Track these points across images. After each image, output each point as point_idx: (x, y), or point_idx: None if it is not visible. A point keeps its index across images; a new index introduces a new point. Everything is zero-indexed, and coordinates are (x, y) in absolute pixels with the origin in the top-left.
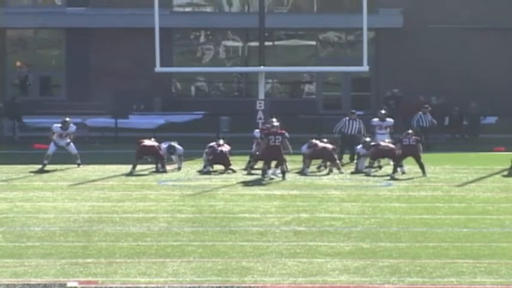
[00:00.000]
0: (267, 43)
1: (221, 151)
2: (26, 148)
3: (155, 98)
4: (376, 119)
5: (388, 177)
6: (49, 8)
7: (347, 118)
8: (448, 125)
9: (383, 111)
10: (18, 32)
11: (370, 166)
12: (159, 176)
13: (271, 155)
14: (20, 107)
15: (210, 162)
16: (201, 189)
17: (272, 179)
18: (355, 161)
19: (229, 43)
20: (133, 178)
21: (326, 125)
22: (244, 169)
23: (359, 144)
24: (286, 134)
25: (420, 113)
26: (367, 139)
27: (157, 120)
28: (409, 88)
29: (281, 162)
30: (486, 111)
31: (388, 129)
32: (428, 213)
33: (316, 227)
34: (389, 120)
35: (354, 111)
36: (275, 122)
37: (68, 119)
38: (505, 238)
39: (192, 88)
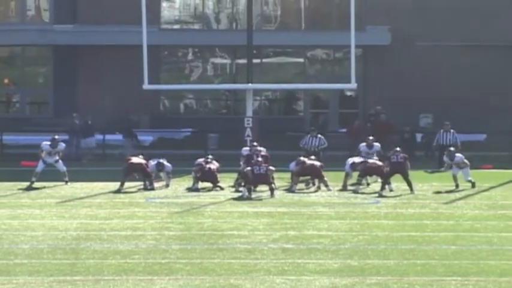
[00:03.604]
0: (255, 60)
1: (209, 168)
2: (13, 165)
3: (143, 115)
4: (363, 145)
5: (376, 195)
6: (37, 25)
7: (309, 135)
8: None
9: (371, 138)
10: (6, 49)
11: (358, 183)
12: (147, 193)
13: (258, 181)
14: None
15: (197, 180)
16: (189, 206)
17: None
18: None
19: (217, 60)
20: (121, 195)
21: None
22: (232, 186)
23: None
24: (272, 168)
25: (441, 130)
26: (356, 159)
27: (145, 137)
28: (397, 105)
29: (269, 184)
30: (476, 128)
31: (375, 154)
32: (416, 231)
33: (304, 244)
34: (377, 145)
35: (314, 128)
36: (258, 147)
37: (56, 136)
38: (493, 256)
39: (180, 105)
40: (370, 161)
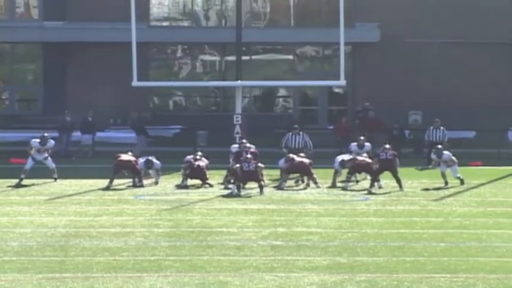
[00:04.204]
0: (244, 57)
1: (198, 165)
2: (2, 162)
3: (132, 112)
4: (354, 144)
5: (365, 192)
6: (26, 22)
7: (290, 133)
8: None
9: (362, 138)
10: None
11: (348, 180)
12: (136, 190)
13: (247, 178)
14: None
15: (187, 177)
16: (178, 203)
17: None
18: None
19: (206, 57)
20: (110, 192)
21: None
22: (222, 183)
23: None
24: (261, 165)
25: (431, 127)
26: (345, 156)
27: (134, 135)
28: (386, 103)
29: (258, 181)
30: (465, 125)
31: (366, 154)
32: (406, 228)
33: (294, 241)
34: (368, 145)
35: (296, 126)
36: (247, 144)
37: (46, 134)
38: (482, 252)
39: (169, 102)
40: (359, 158)
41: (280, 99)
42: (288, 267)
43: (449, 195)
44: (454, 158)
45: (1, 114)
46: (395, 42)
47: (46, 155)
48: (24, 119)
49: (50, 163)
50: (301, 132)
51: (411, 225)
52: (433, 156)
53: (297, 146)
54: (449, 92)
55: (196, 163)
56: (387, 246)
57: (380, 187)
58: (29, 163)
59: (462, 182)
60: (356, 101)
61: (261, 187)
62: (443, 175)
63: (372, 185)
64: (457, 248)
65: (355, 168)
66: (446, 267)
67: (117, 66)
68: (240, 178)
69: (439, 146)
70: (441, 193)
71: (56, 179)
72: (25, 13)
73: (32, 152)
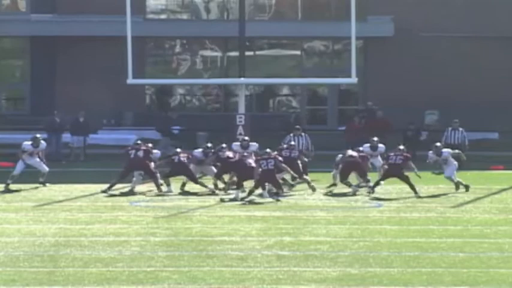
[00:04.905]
0: (247, 53)
1: (180, 160)
2: None
3: (126, 112)
4: (367, 145)
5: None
6: (12, 15)
7: (292, 134)
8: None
9: (375, 139)
10: None
11: (357, 185)
12: (130, 196)
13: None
14: None
15: (166, 176)
16: (177, 210)
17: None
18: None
19: (207, 53)
20: (104, 199)
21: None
22: (222, 189)
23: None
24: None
25: (449, 128)
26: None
27: (129, 136)
28: (400, 101)
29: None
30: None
31: (379, 156)
32: (422, 237)
33: (301, 251)
34: (381, 146)
35: (298, 127)
36: (246, 137)
37: (38, 135)
38: (504, 263)
39: (167, 101)
40: (351, 153)
41: (287, 98)
42: (295, 279)
43: (469, 202)
44: (452, 159)
45: None
46: (410, 36)
47: (37, 158)
48: (11, 119)
49: (43, 167)
50: (303, 134)
51: (427, 234)
52: (431, 154)
53: (300, 147)
54: (468, 89)
55: (178, 158)
56: (402, 257)
57: (368, 188)
58: (19, 167)
59: (457, 186)
60: (368, 100)
61: (280, 189)
62: (450, 179)
63: (362, 184)
64: (477, 259)
65: (344, 170)
66: (466, 279)
67: (111, 62)
68: (260, 179)
69: (438, 144)
70: (460, 199)
71: (44, 183)
72: (11, 5)
73: (24, 156)
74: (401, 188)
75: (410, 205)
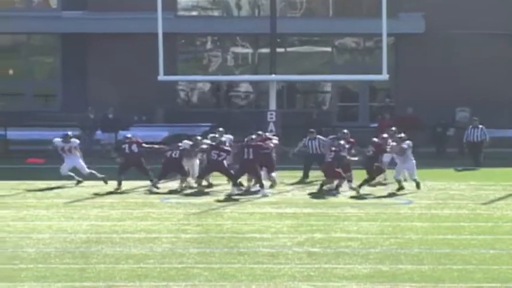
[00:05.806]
0: (278, 49)
1: (173, 157)
2: (17, 163)
3: (158, 108)
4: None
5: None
6: (43, 12)
7: (308, 138)
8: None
9: (402, 135)
10: (10, 37)
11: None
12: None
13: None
14: None
15: (160, 176)
16: (207, 207)
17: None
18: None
19: (238, 50)
20: (135, 195)
21: None
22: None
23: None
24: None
25: (470, 126)
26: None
27: (161, 133)
28: (431, 98)
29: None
30: None
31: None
32: (453, 233)
33: (332, 248)
34: (408, 143)
35: (312, 130)
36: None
37: (70, 132)
38: None
39: (198, 98)
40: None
41: (317, 95)
42: (326, 276)
43: (500, 199)
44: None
45: (16, 111)
46: (441, 33)
47: (78, 159)
48: (42, 116)
49: (84, 169)
50: (317, 137)
51: (458, 231)
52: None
53: (314, 151)
54: (500, 86)
55: (173, 154)
56: (433, 254)
57: (350, 187)
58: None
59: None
60: (399, 97)
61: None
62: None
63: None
64: (508, 255)
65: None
66: (497, 276)
67: (142, 59)
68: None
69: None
70: (491, 196)
71: (80, 181)
72: (43, 2)
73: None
74: (432, 184)
75: (441, 202)
